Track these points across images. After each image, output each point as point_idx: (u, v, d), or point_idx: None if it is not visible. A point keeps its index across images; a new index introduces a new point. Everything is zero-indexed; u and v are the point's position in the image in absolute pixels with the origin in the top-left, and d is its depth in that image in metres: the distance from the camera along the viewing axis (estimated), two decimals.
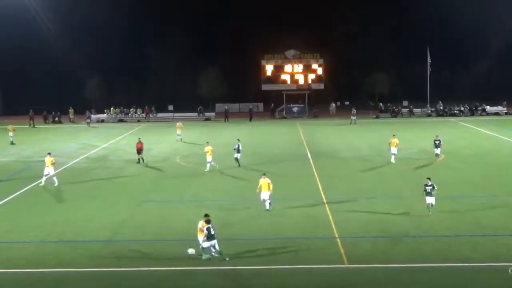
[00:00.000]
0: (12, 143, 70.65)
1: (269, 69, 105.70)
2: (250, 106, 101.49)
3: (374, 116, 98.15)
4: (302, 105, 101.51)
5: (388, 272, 27.81)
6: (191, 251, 29.86)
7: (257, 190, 38.37)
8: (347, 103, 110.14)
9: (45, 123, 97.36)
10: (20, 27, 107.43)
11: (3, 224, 36.26)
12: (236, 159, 54.50)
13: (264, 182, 38.08)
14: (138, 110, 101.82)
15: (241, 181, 48.12)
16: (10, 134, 72.00)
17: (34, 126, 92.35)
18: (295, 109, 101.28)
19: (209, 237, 29.29)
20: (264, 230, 34.15)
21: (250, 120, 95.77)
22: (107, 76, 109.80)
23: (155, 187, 46.35)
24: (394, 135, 55.99)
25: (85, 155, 62.31)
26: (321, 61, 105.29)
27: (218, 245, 29.41)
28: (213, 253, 29.40)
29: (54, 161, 47.37)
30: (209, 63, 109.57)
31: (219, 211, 38.01)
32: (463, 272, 27.75)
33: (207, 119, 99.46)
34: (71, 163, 57.45)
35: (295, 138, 73.41)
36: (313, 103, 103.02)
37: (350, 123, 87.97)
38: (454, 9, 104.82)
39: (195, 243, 30.22)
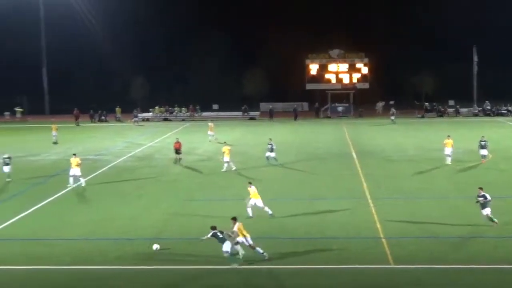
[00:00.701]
0: (55, 143, 71.10)
1: (313, 68, 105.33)
2: (295, 105, 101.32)
3: (420, 116, 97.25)
4: (347, 105, 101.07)
5: (433, 272, 27.53)
6: (155, 246, 30.45)
7: (246, 201, 36.84)
8: (392, 102, 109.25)
9: (91, 122, 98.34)
10: (68, 28, 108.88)
11: (49, 221, 36.75)
12: (268, 157, 54.62)
13: (252, 190, 36.67)
14: (182, 109, 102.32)
15: (284, 180, 48.11)
16: (54, 133, 72.34)
17: (79, 125, 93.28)
18: (340, 109, 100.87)
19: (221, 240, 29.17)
20: (307, 229, 34.02)
21: (295, 119, 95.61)
22: (152, 75, 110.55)
23: (199, 186, 46.49)
24: (448, 136, 55.02)
25: (130, 154, 62.80)
26: (366, 60, 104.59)
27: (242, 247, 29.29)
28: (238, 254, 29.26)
29: (79, 162, 46.60)
30: (254, 62, 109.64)
31: (262, 210, 38.03)
32: (509, 274, 27.38)
33: (252, 118, 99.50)
34: (116, 161, 57.94)
35: (340, 138, 73.12)
36: (358, 102, 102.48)
37: (391, 123, 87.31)
38: (500, 7, 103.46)
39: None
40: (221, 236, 29.25)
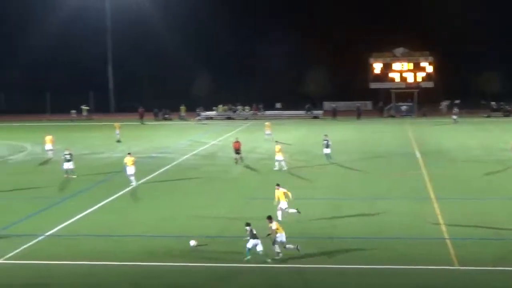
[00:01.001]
0: (118, 141, 71.83)
1: (377, 67, 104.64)
2: (358, 104, 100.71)
3: (486, 115, 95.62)
4: (411, 104, 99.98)
5: (498, 275, 27.04)
6: (192, 243, 30.72)
7: (274, 203, 36.42)
8: (457, 101, 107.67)
9: (155, 120, 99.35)
10: (133, 26, 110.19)
11: (114, 218, 37.22)
12: (326, 155, 54.42)
13: (280, 192, 36.05)
14: (246, 107, 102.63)
15: (346, 179, 47.91)
16: (117, 131, 73.07)
17: (143, 123, 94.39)
18: (403, 108, 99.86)
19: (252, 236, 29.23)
20: (370, 229, 33.77)
21: (358, 118, 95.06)
22: (215, 74, 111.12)
23: (262, 185, 46.47)
24: None
25: (194, 152, 63.25)
26: (430, 59, 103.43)
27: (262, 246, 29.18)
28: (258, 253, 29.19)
29: (134, 161, 46.69)
30: (317, 60, 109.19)
31: (324, 209, 38.00)
32: None
33: (315, 117, 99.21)
34: (180, 159, 58.38)
35: (403, 137, 72.41)
36: (422, 101, 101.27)
37: (453, 123, 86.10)
38: None
39: (301, 240, 30.23)
40: (254, 232, 29.34)
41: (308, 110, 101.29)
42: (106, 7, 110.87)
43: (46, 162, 57.66)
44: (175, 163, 56.64)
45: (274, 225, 29.59)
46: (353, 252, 30.01)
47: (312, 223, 34.77)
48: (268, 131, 70.52)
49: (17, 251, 30.73)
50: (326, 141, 54.81)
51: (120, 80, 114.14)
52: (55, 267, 28.70)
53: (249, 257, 29.17)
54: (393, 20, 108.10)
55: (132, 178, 45.95)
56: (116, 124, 74.40)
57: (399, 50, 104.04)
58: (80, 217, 37.25)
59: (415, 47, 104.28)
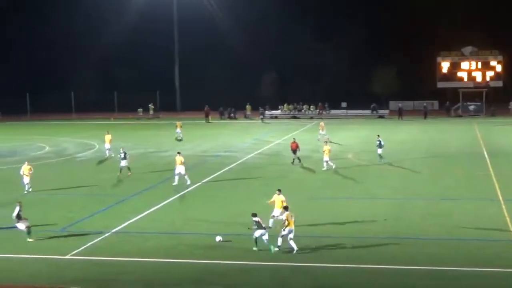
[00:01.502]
0: (177, 139, 72.07)
1: (445, 66, 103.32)
2: (425, 104, 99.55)
3: None
4: (479, 103, 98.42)
5: None
6: (218, 238, 31.46)
7: (266, 201, 35.54)
8: None
9: (221, 118, 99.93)
10: (199, 25, 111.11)
11: (178, 216, 37.49)
12: (379, 155, 54.09)
13: (278, 199, 34.69)
14: (311, 106, 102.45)
15: (411, 179, 47.48)
16: (178, 130, 73.37)
17: (209, 122, 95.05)
18: (471, 107, 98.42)
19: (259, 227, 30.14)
20: (435, 230, 33.31)
21: (425, 118, 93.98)
22: (281, 73, 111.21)
23: (327, 184, 46.41)
24: None
25: (258, 151, 63.39)
26: (500, 57, 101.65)
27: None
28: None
29: (183, 160, 46.56)
30: (383, 59, 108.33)
31: (390, 209, 37.67)
32: None
33: (381, 116, 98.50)
34: (245, 158, 58.56)
35: (471, 137, 71.25)
36: (490, 101, 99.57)
37: None
38: None
39: (363, 239, 30.03)
40: (261, 223, 30.24)
41: (374, 109, 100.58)
42: (173, 7, 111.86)
43: (112, 160, 58.42)
44: (239, 161, 56.85)
45: (284, 215, 30.40)
46: (417, 252, 29.68)
47: (375, 223, 34.48)
48: (322, 131, 69.97)
49: (84, 247, 31.25)
50: (378, 142, 54.47)
51: (186, 79, 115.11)
52: (121, 263, 29.10)
53: (255, 248, 30.09)
54: (461, 18, 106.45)
55: (177, 177, 45.91)
56: (178, 123, 74.94)
57: (467, 49, 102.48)
58: (146, 215, 37.66)
59: (484, 45, 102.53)
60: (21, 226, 32.47)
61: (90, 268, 28.45)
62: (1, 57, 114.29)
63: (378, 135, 56.04)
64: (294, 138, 57.31)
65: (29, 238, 32.29)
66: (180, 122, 75.62)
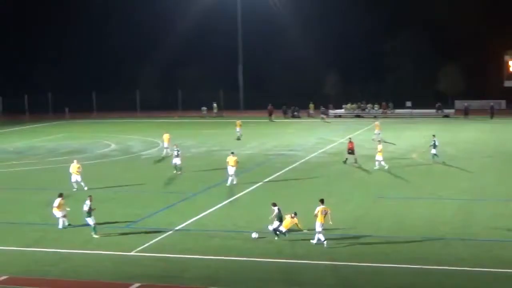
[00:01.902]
0: (238, 138, 72.00)
1: None
2: (491, 103, 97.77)
3: None
4: None
5: None
6: (254, 235, 31.90)
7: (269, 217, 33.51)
8: None
9: (284, 117, 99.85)
10: (263, 24, 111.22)
11: (241, 214, 37.50)
12: (433, 155, 53.50)
13: (274, 211, 33.06)
14: (375, 105, 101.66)
15: (479, 180, 46.62)
16: (237, 129, 73.09)
17: (273, 120, 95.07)
18: None
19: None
20: (502, 232, 32.56)
21: (492, 117, 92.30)
22: (344, 72, 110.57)
23: (392, 183, 45.97)
24: None
25: (322, 150, 63.11)
26: None
27: None
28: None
29: (237, 161, 46.07)
30: (449, 58, 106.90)
31: (457, 210, 37.09)
32: None
33: (446, 116, 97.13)
34: (309, 157, 58.34)
35: None
36: None
37: None
38: None
39: (429, 240, 29.60)
40: (280, 214, 32.11)
41: (439, 108, 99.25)
42: (237, 6, 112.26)
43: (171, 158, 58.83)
44: (303, 160, 56.69)
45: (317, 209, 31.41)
46: (485, 254, 29.17)
47: (443, 224, 33.94)
48: (377, 131, 68.99)
49: (148, 244, 31.53)
50: (434, 141, 53.63)
51: (250, 78, 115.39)
52: (185, 260, 29.24)
53: (276, 238, 31.33)
54: None
55: (230, 178, 45.62)
56: (238, 121, 74.92)
57: None
58: (209, 212, 37.80)
59: None
60: (91, 221, 32.94)
61: (155, 265, 28.65)
62: (70, 56, 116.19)
63: (434, 135, 55.14)
64: (350, 138, 56.57)
65: (95, 235, 32.70)
66: (240, 121, 75.60)
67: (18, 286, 26.16)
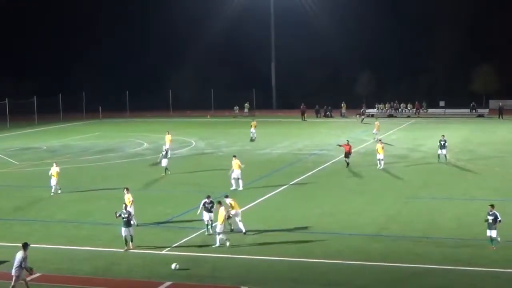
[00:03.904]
0: (252, 140, 71.50)
1: None
2: None
3: None
4: None
5: None
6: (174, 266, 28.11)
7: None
8: None
9: (317, 117, 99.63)
10: (296, 23, 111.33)
11: (271, 214, 37.43)
12: (440, 155, 53.23)
13: (221, 210, 32.14)
14: (408, 105, 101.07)
15: (506, 179, 46.08)
16: (252, 130, 72.31)
17: (305, 120, 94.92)
18: None
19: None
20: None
21: None
22: (378, 71, 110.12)
23: (424, 184, 45.65)
24: None
25: (354, 150, 62.70)
26: None
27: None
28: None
29: (239, 165, 44.47)
30: (483, 58, 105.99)
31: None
32: None
33: (480, 115, 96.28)
34: (340, 157, 57.96)
35: None
36: None
37: None
38: None
39: (456, 241, 29.36)
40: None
41: (473, 108, 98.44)
42: (270, 5, 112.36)
43: (208, 157, 59.00)
44: (335, 160, 56.46)
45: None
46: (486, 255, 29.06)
47: (475, 225, 33.57)
48: (375, 130, 68.94)
49: (180, 242, 31.72)
50: (443, 142, 52.98)
51: (282, 78, 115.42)
52: (216, 259, 29.25)
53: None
54: None
55: (235, 182, 44.47)
56: (253, 122, 74.34)
57: None
58: (241, 211, 37.71)
59: None
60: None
61: (185, 264, 28.65)
62: (105, 57, 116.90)
63: (443, 135, 54.58)
64: (347, 140, 55.17)
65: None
66: (255, 121, 75.19)
67: (51, 284, 26.40)
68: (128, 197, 34.67)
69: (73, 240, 32.70)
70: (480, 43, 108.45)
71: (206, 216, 32.94)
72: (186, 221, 36.16)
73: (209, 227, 32.79)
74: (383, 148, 51.91)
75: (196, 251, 30.43)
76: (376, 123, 71.26)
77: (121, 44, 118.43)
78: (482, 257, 28.70)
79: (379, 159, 51.57)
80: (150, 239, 32.51)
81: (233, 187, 44.29)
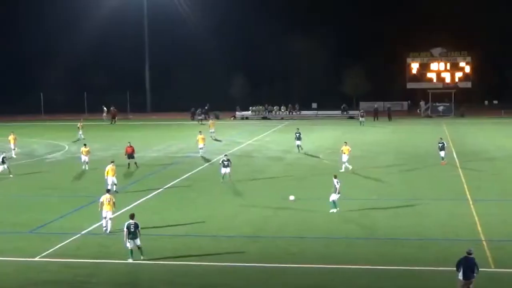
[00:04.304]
0: (78, 139, 72.10)
1: (414, 67, 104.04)
2: (389, 105, 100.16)
3: None
4: (448, 104, 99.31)
5: None
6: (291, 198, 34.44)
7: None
8: (495, 102, 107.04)
9: (192, 120, 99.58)
10: (168, 26, 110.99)
11: (149, 217, 37.03)
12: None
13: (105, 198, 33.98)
14: (281, 107, 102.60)
15: (384, 180, 47.46)
16: (79, 132, 73.66)
17: (115, 123, 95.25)
18: (440, 108, 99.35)
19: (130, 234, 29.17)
20: (405, 230, 33.40)
21: (389, 119, 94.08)
22: (251, 74, 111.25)
23: (299, 184, 46.21)
24: None
25: (229, 152, 63.05)
26: (468, 59, 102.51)
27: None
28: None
29: (114, 170, 43.89)
30: (353, 60, 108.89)
31: (362, 208, 37.75)
32: None
33: (351, 117, 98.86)
34: (215, 159, 58.29)
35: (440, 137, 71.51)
36: (459, 102, 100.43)
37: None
38: None
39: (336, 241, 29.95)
40: (132, 230, 29.31)
41: (344, 110, 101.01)
42: (143, 5, 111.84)
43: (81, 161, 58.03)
44: (211, 162, 56.58)
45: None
46: (390, 253, 29.91)
47: (346, 223, 34.48)
48: (212, 129, 72.92)
49: (53, 248, 30.97)
50: (442, 144, 53.79)
51: (156, 80, 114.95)
52: (91, 265, 28.84)
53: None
54: (430, 19, 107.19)
55: (114, 186, 43.61)
56: (80, 124, 75.06)
57: (437, 50, 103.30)
58: (116, 216, 37.24)
59: (453, 47, 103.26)
60: None
61: (60, 270, 28.11)
62: None
63: (441, 138, 55.83)
64: (129, 142, 54.80)
65: None
66: (81, 123, 75.49)
67: None
68: None
69: None
70: (351, 46, 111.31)
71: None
72: (59, 227, 35.36)
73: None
74: (349, 150, 50.88)
75: (70, 257, 29.76)
76: (210, 121, 76.15)
77: None
78: (353, 254, 29.49)
79: (344, 162, 50.46)
80: (21, 245, 31.66)
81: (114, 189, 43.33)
